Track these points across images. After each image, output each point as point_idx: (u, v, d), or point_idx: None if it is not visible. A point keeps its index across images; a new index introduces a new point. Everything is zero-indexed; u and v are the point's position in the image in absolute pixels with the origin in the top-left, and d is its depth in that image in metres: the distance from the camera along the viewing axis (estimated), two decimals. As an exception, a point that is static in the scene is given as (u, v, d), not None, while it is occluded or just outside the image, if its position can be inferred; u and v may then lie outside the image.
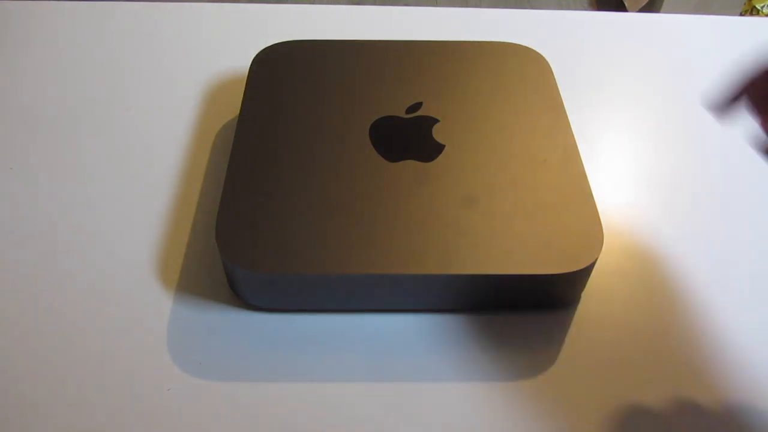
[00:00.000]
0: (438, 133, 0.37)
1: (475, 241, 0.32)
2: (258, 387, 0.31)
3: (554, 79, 0.41)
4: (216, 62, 0.48)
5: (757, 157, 0.42)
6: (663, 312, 0.34)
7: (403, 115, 0.38)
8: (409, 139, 0.37)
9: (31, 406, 0.30)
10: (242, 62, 0.48)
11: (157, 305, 0.33)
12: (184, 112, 0.44)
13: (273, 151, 0.36)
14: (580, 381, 0.31)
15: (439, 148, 0.36)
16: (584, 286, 0.34)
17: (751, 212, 0.39)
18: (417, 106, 0.39)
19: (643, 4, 1.67)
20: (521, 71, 0.41)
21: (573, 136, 0.37)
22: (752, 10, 1.45)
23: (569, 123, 0.38)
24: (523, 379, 0.31)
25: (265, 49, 0.42)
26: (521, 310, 0.34)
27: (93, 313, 0.33)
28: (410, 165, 0.35)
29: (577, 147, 0.36)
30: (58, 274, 0.35)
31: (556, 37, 0.51)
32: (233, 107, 0.44)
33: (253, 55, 0.42)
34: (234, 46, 0.49)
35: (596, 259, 0.32)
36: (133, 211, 0.38)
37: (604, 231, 0.33)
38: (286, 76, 0.40)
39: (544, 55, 0.43)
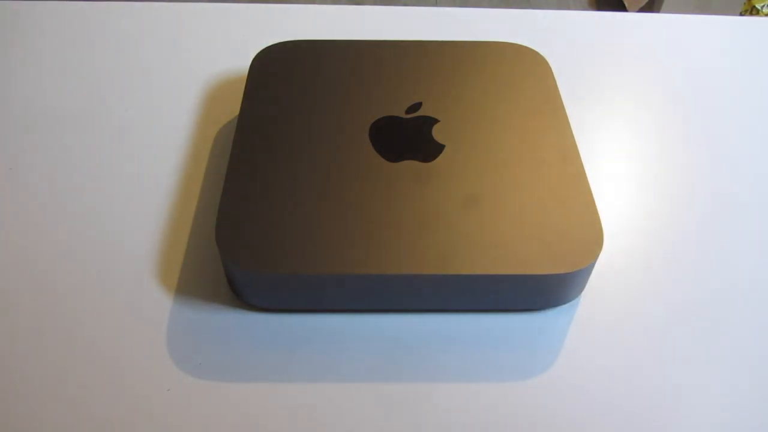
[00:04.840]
0: (438, 133, 0.37)
1: (475, 241, 0.32)
2: (258, 387, 0.31)
3: (554, 79, 0.41)
4: (216, 62, 0.48)
5: (758, 157, 0.42)
6: (663, 312, 0.34)
7: (403, 115, 0.38)
8: (409, 139, 0.37)
9: (30, 406, 0.30)
10: (242, 62, 0.48)
11: (157, 305, 0.33)
12: (184, 112, 0.44)
13: (273, 151, 0.36)
14: (580, 381, 0.31)
15: (439, 148, 0.36)
16: (584, 286, 0.34)
17: (752, 212, 0.39)
18: (417, 106, 0.39)
19: (643, 4, 1.67)
20: (521, 71, 0.41)
21: (573, 136, 0.37)
22: (752, 10, 1.45)
23: (569, 123, 0.38)
24: (523, 379, 0.31)
25: (265, 49, 0.42)
26: (521, 310, 0.34)
27: (93, 313, 0.33)
28: (410, 165, 0.35)
29: (577, 147, 0.36)
30: (58, 275, 0.35)
31: (556, 37, 0.51)
32: (233, 107, 0.44)
33: (253, 55, 0.42)
34: (234, 46, 0.49)
35: (596, 259, 0.32)
36: (133, 212, 0.38)
37: (603, 231, 0.33)
38: (286, 76, 0.40)
39: (544, 55, 0.43)
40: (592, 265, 0.32)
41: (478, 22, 0.52)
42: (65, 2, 0.53)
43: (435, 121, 0.38)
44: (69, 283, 0.34)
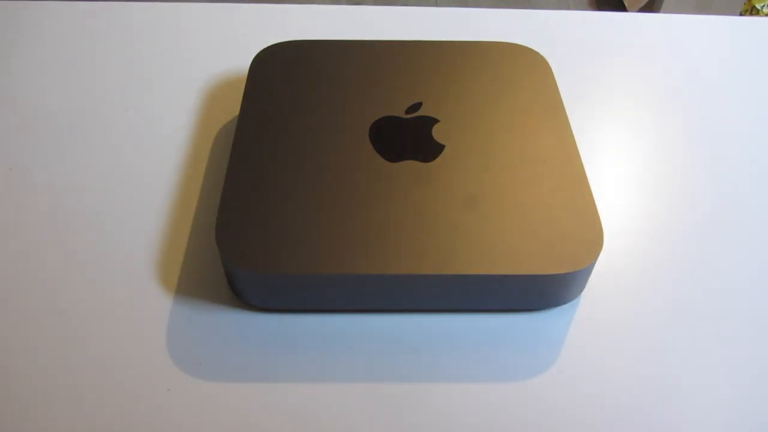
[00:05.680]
0: (438, 133, 0.37)
1: (475, 241, 0.32)
2: (258, 387, 0.31)
3: (554, 79, 0.41)
4: (216, 62, 0.48)
5: (757, 157, 0.42)
6: (663, 312, 0.34)
7: (403, 115, 0.38)
8: (409, 139, 0.37)
9: (30, 407, 0.30)
10: (242, 62, 0.48)
11: (157, 305, 0.33)
12: (184, 112, 0.44)
13: (273, 151, 0.36)
14: (580, 381, 0.31)
15: (439, 148, 0.36)
16: (584, 286, 0.34)
17: (752, 211, 0.39)
18: (417, 106, 0.39)
19: (643, 3, 1.67)
20: (521, 71, 0.41)
21: (573, 136, 0.37)
22: (752, 10, 1.45)
23: (569, 123, 0.38)
24: (523, 379, 0.31)
25: (265, 49, 0.42)
26: (521, 310, 0.34)
27: (92, 313, 0.33)
28: (410, 165, 0.35)
29: (577, 147, 0.36)
30: (58, 275, 0.35)
31: (556, 37, 0.51)
32: (233, 107, 0.44)
33: (253, 55, 0.42)
34: (234, 46, 0.49)
35: (596, 260, 0.32)
36: (133, 212, 0.38)
37: (603, 231, 0.33)
38: (286, 76, 0.40)
39: (544, 55, 0.43)
40: (592, 265, 0.32)
41: (478, 22, 0.52)
42: (65, 2, 0.53)
43: (435, 121, 0.38)
44: (69, 283, 0.34)
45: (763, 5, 1.44)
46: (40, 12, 0.52)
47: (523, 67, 0.41)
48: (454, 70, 0.41)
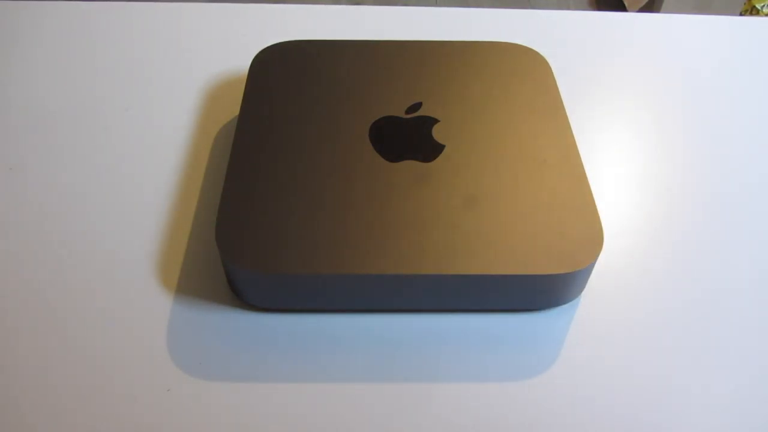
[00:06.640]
0: (438, 133, 0.37)
1: (475, 241, 0.32)
2: (258, 387, 0.31)
3: (554, 79, 0.41)
4: (216, 62, 0.48)
5: (758, 157, 0.42)
6: (663, 312, 0.34)
7: (403, 115, 0.38)
8: (409, 139, 0.37)
9: (30, 407, 0.30)
10: (242, 62, 0.48)
11: (157, 305, 0.33)
12: (184, 112, 0.44)
13: (273, 151, 0.36)
14: (580, 381, 0.31)
15: (439, 148, 0.36)
16: (584, 287, 0.34)
17: (752, 211, 0.39)
18: (417, 106, 0.39)
19: (643, 4, 1.67)
20: (521, 71, 0.41)
21: (573, 136, 0.37)
22: (752, 10, 1.45)
23: (569, 123, 0.38)
24: (523, 379, 0.31)
25: (265, 49, 0.42)
26: (521, 310, 0.34)
27: (93, 313, 0.33)
28: (410, 165, 0.35)
29: (577, 147, 0.36)
30: (58, 275, 0.35)
31: (556, 37, 0.51)
32: (233, 107, 0.44)
33: (253, 55, 0.42)
34: (234, 46, 0.49)
35: (596, 259, 0.32)
36: (133, 211, 0.38)
37: (603, 231, 0.33)
38: (286, 76, 0.40)
39: (544, 55, 0.43)
40: (592, 265, 0.32)
41: (478, 22, 0.52)
42: (65, 2, 0.53)
43: (435, 121, 0.38)
44: (69, 283, 0.34)
45: (763, 5, 1.44)
46: (40, 12, 0.52)
47: (523, 67, 0.41)
48: (454, 70, 0.41)
